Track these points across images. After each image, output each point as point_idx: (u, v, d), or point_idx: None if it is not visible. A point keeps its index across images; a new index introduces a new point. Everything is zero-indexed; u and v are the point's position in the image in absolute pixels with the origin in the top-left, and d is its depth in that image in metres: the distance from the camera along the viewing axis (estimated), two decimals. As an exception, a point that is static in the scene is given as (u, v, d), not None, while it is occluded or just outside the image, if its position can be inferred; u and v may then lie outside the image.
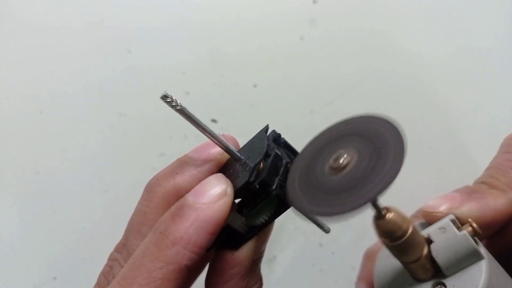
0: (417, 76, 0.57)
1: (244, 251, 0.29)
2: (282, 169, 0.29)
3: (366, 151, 0.24)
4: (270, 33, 0.57)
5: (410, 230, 0.25)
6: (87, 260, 0.53)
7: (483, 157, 0.34)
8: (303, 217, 0.29)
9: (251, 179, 0.27)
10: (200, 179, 0.30)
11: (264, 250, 0.32)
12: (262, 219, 0.29)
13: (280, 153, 0.29)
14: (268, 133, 0.30)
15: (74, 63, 0.57)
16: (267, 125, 0.31)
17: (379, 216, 0.25)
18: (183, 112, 0.27)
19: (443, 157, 0.55)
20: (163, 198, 0.30)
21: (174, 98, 0.27)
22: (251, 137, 0.32)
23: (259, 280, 0.32)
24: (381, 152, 0.23)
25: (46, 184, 0.55)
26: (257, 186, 0.27)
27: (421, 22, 0.58)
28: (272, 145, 0.29)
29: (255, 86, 0.57)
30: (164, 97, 0.27)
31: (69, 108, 0.56)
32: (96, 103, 0.56)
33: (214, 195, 0.27)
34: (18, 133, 0.56)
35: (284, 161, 0.29)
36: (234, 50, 0.57)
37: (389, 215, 0.25)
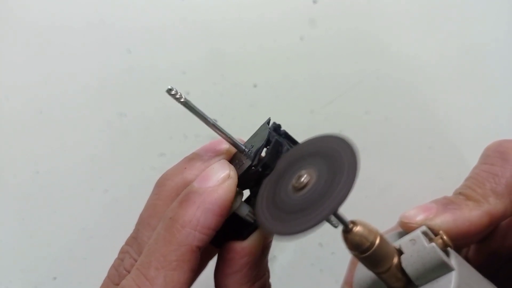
0: (417, 76, 0.57)
1: (253, 241, 0.30)
2: (282, 154, 0.30)
3: (324, 170, 0.25)
4: (270, 33, 0.57)
5: (377, 242, 0.26)
6: (87, 260, 0.53)
7: (467, 175, 0.34)
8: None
9: (254, 163, 0.29)
10: None
11: (272, 240, 0.32)
12: None
13: (280, 140, 0.31)
14: (269, 124, 0.32)
15: (74, 63, 0.57)
16: (269, 118, 0.33)
17: (346, 229, 0.26)
18: (187, 104, 0.28)
19: (443, 157, 0.55)
20: (172, 191, 0.31)
21: (178, 91, 0.28)
22: (251, 136, 0.33)
23: (267, 271, 0.33)
24: (337, 169, 0.25)
25: (46, 184, 0.55)
26: (260, 169, 0.29)
27: (421, 23, 0.58)
28: (273, 134, 0.31)
29: (255, 86, 0.57)
30: (169, 91, 0.28)
31: (69, 108, 0.56)
32: (96, 103, 0.56)
33: (218, 178, 0.28)
34: (18, 133, 0.56)
35: (285, 147, 0.31)
36: (234, 50, 0.57)
37: (356, 228, 0.26)
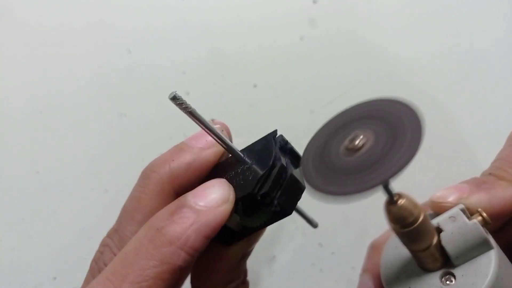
0: (416, 76, 0.57)
1: (234, 249, 0.30)
2: (285, 181, 0.28)
3: (383, 134, 0.24)
4: (270, 33, 0.57)
5: (421, 218, 0.25)
6: (87, 260, 0.52)
7: (483, 157, 0.34)
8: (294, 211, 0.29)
9: (255, 191, 0.27)
10: (195, 168, 0.29)
11: (252, 249, 0.32)
12: (256, 223, 0.29)
13: (285, 164, 0.29)
14: (275, 139, 0.30)
15: (74, 63, 0.57)
16: (275, 131, 0.30)
17: (391, 201, 0.25)
18: (192, 114, 0.26)
19: (443, 157, 0.55)
20: (158, 185, 0.29)
21: (184, 99, 0.25)
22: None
23: (243, 273, 0.32)
24: (398, 135, 0.23)
25: (46, 184, 0.55)
26: (259, 198, 0.27)
27: (421, 23, 0.58)
28: (278, 155, 0.29)
29: (255, 86, 0.57)
30: (174, 99, 0.25)
31: (69, 108, 0.56)
32: (96, 103, 0.56)
33: (217, 200, 0.26)
34: (18, 133, 0.56)
35: (288, 172, 0.28)
36: (234, 50, 0.57)
37: (401, 201, 0.25)
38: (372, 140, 0.24)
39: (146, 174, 0.31)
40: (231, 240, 0.30)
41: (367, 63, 0.57)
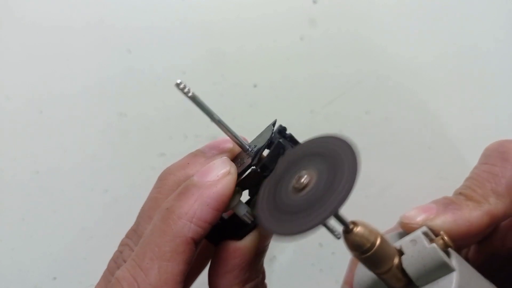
0: (416, 77, 0.57)
1: (247, 242, 0.30)
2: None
3: (324, 170, 0.25)
4: (270, 33, 0.57)
5: (378, 243, 0.26)
6: (87, 260, 0.53)
7: (467, 175, 0.34)
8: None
9: (254, 162, 0.29)
10: None
11: (268, 244, 0.32)
12: None
13: (283, 143, 0.31)
14: (275, 126, 0.32)
15: (74, 63, 0.57)
16: (275, 120, 0.33)
17: (347, 230, 0.26)
18: (195, 99, 0.29)
19: (443, 157, 0.55)
20: (174, 186, 0.31)
21: (186, 86, 0.29)
22: (251, 136, 0.33)
23: (261, 273, 0.33)
24: (337, 170, 0.24)
25: (46, 184, 0.55)
26: (258, 170, 0.29)
27: (420, 23, 0.58)
28: (276, 136, 0.31)
29: (255, 86, 0.57)
30: (178, 85, 0.28)
31: (69, 108, 0.56)
32: (96, 103, 0.56)
33: (218, 174, 0.28)
34: (18, 133, 0.56)
35: (286, 150, 0.30)
36: (234, 50, 0.57)
37: (356, 229, 0.26)
38: (316, 178, 0.25)
39: (163, 176, 0.32)
40: (243, 234, 0.31)
41: (367, 63, 0.57)
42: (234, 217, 0.31)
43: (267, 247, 0.33)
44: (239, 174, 0.29)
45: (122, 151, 0.56)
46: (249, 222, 0.30)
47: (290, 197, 0.26)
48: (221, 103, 0.56)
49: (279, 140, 0.31)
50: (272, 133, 0.31)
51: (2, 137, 0.55)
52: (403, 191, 0.54)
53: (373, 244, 0.26)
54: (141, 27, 0.57)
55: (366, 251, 0.26)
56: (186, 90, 0.28)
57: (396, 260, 0.26)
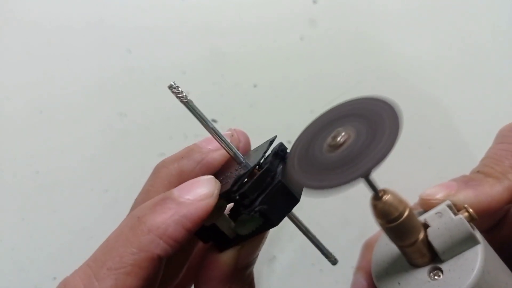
0: (416, 76, 0.57)
1: (225, 257, 0.29)
2: (271, 187, 0.27)
3: (363, 130, 0.24)
4: (270, 33, 0.57)
5: (406, 213, 0.25)
6: (87, 260, 0.53)
7: (483, 156, 0.34)
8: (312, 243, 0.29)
9: (233, 188, 0.27)
10: (203, 166, 0.31)
11: (253, 260, 0.31)
12: (246, 230, 0.29)
13: (275, 170, 0.28)
14: (273, 145, 0.30)
15: (74, 63, 0.57)
16: (275, 136, 0.31)
17: (376, 197, 0.25)
18: (188, 105, 0.27)
19: (443, 157, 0.55)
20: (166, 179, 0.30)
21: (180, 89, 0.26)
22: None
23: (247, 285, 0.32)
24: (377, 131, 0.24)
25: (46, 184, 0.55)
26: (237, 197, 0.27)
27: (421, 22, 0.58)
28: (269, 159, 0.28)
29: (255, 86, 0.57)
30: (171, 87, 0.26)
31: (69, 108, 0.56)
32: (96, 103, 0.56)
33: (200, 194, 0.27)
34: (18, 133, 0.56)
35: (277, 178, 0.28)
36: (234, 50, 0.57)
37: (386, 197, 0.25)
38: (353, 136, 0.24)
39: (157, 169, 0.32)
40: (224, 247, 0.29)
41: (367, 63, 0.57)
42: (216, 227, 0.29)
43: (254, 261, 0.32)
44: (221, 195, 0.27)
45: (122, 151, 0.56)
46: (231, 237, 0.29)
47: (324, 154, 0.25)
48: (221, 103, 0.56)
49: (268, 167, 0.28)
50: (263, 156, 0.28)
51: (2, 137, 0.55)
52: (403, 191, 0.54)
53: (401, 214, 0.25)
54: (141, 27, 0.57)
55: (393, 220, 0.25)
56: (180, 94, 0.26)
57: (421, 234, 0.26)
